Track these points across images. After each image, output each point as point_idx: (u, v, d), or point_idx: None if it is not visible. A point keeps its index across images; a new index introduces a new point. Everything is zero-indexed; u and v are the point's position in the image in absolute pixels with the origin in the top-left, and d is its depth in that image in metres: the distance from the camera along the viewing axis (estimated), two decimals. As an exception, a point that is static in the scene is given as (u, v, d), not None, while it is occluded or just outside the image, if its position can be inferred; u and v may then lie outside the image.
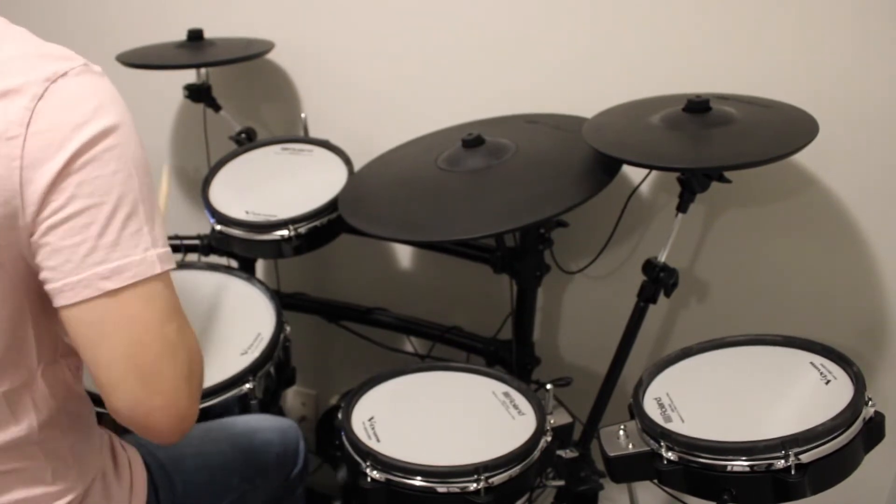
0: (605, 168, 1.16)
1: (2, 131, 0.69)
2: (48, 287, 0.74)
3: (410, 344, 1.69)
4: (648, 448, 0.97)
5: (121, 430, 1.03)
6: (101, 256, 0.72)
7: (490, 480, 0.99)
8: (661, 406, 1.01)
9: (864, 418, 0.91)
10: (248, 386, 1.20)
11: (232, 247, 1.39)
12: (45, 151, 0.70)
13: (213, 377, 1.20)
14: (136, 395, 0.76)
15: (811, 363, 1.02)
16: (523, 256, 1.34)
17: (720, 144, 1.09)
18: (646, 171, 1.32)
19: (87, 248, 0.72)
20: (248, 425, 1.16)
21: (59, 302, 0.73)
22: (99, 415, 0.93)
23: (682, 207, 1.17)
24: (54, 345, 0.83)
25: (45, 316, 0.79)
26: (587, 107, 1.28)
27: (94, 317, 0.73)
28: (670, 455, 0.94)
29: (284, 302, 1.45)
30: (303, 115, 1.59)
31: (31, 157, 0.70)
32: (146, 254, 0.74)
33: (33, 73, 0.71)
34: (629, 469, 1.00)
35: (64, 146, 0.70)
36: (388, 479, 1.01)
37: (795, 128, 1.09)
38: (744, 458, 0.89)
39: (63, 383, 0.85)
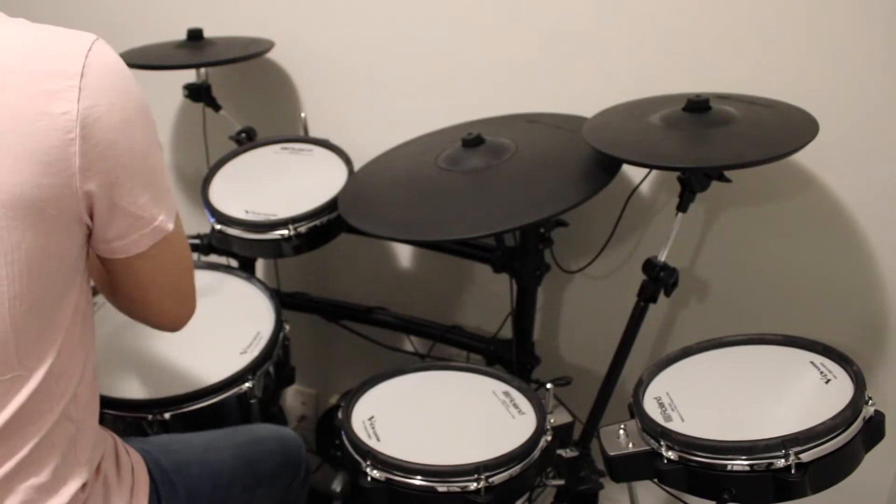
0: (605, 168, 1.16)
1: (54, 106, 0.72)
2: (118, 243, 0.82)
3: (410, 343, 1.69)
4: (648, 447, 0.97)
5: (125, 435, 1.03)
6: (161, 206, 0.83)
7: (490, 480, 0.99)
8: (661, 405, 1.01)
9: (865, 417, 0.91)
10: (247, 385, 1.21)
11: (232, 246, 1.39)
12: (98, 121, 0.74)
13: (212, 376, 1.20)
14: (176, 311, 0.95)
15: (811, 362, 1.02)
16: (523, 256, 1.34)
17: (720, 144, 1.09)
18: (646, 170, 1.32)
19: (152, 198, 0.82)
20: (251, 435, 1.17)
21: (130, 252, 0.83)
22: (102, 416, 0.93)
23: (682, 207, 1.17)
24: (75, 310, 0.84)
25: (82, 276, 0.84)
26: (587, 107, 1.28)
27: (154, 259, 0.86)
28: (670, 454, 0.94)
29: (284, 301, 1.45)
30: (303, 115, 1.59)
31: (84, 129, 0.74)
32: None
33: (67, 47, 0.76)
34: (629, 468, 1.00)
35: (113, 113, 0.76)
36: (388, 479, 1.01)
37: (795, 128, 1.09)
38: (744, 457, 0.89)
39: (78, 366, 0.86)
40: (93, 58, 0.75)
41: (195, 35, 1.57)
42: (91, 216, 0.79)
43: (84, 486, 0.87)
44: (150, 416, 1.15)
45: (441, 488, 1.00)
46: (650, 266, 1.20)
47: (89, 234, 0.82)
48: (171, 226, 0.85)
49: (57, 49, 0.75)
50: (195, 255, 1.51)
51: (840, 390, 0.95)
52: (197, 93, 1.61)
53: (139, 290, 0.90)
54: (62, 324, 0.81)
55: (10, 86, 0.72)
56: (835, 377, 0.98)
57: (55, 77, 0.73)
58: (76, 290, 0.82)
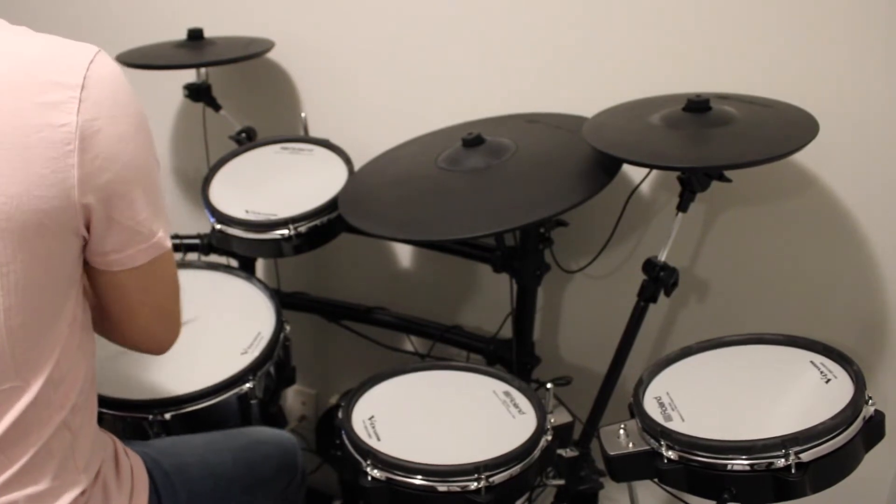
0: (605, 168, 1.16)
1: (53, 118, 0.72)
2: (114, 256, 0.81)
3: (410, 343, 1.69)
4: (648, 447, 0.97)
5: (125, 435, 1.03)
6: (159, 221, 0.83)
7: (490, 479, 0.99)
8: (662, 405, 1.01)
9: (865, 417, 0.91)
10: (248, 385, 1.21)
11: (232, 246, 1.39)
12: (97, 134, 0.74)
13: (212, 376, 1.20)
14: (161, 333, 0.93)
15: (811, 362, 1.02)
16: (523, 255, 1.34)
17: (720, 144, 1.09)
18: (646, 170, 1.32)
19: (151, 214, 0.81)
20: (250, 437, 1.17)
21: (125, 265, 0.82)
22: (102, 417, 0.93)
23: (682, 206, 1.17)
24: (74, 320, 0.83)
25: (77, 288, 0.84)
26: (587, 107, 1.28)
27: (147, 275, 0.85)
28: (670, 454, 0.94)
29: (284, 301, 1.45)
30: (303, 115, 1.59)
31: (83, 142, 0.73)
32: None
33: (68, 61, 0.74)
34: (629, 468, 1.00)
35: (113, 126, 0.75)
36: (388, 478, 1.01)
37: (795, 128, 1.09)
38: (744, 456, 0.89)
39: (78, 375, 0.85)
40: (94, 70, 0.74)
41: (195, 35, 1.57)
42: (88, 229, 0.78)
43: (83, 492, 0.86)
44: (150, 417, 1.15)
45: (441, 488, 1.00)
46: (650, 266, 1.20)
47: (84, 246, 0.81)
48: (168, 243, 0.85)
49: (58, 60, 0.74)
50: (195, 255, 1.51)
51: (840, 390, 0.95)
52: (197, 93, 1.61)
53: (127, 308, 0.88)
54: (60, 334, 0.80)
55: (9, 96, 0.71)
56: (835, 377, 0.98)
57: (55, 88, 0.72)
58: (73, 300, 0.81)
